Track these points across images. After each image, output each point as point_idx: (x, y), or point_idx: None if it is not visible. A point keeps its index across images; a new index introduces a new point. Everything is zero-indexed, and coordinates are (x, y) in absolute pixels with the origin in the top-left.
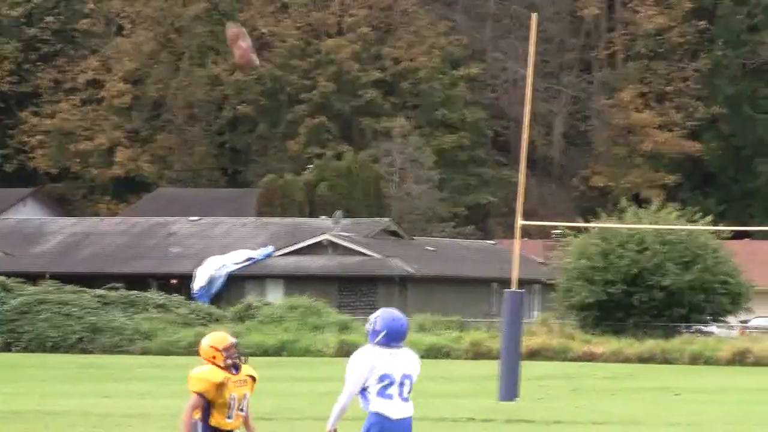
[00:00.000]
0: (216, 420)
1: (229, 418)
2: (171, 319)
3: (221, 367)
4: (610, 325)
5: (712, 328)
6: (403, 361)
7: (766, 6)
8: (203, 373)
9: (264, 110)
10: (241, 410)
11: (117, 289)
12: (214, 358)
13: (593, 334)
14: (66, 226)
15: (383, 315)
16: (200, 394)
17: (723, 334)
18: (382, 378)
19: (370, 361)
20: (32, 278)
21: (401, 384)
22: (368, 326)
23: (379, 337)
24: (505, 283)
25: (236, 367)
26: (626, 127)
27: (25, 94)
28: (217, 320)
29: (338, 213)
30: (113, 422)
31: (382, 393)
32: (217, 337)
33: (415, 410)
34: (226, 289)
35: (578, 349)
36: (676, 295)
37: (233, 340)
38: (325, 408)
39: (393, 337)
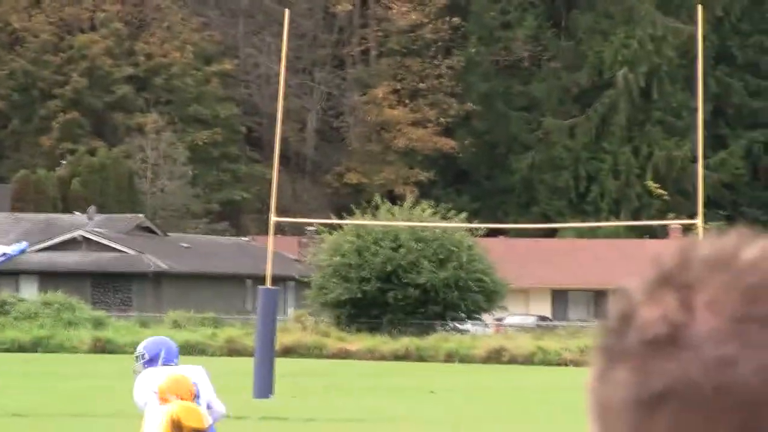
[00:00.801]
0: None
1: None
2: None
3: None
4: (365, 322)
5: (468, 325)
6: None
7: (519, 3)
8: None
9: (16, 105)
10: None
11: None
12: None
13: (348, 331)
14: None
15: (149, 343)
16: None
17: (478, 331)
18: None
19: (150, 381)
20: None
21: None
22: (139, 360)
23: (160, 360)
24: (260, 279)
25: None
26: (380, 123)
27: None
28: None
29: (92, 209)
30: None
31: None
32: None
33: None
34: None
35: (333, 346)
36: (431, 292)
37: None
38: (79, 405)
39: (173, 355)
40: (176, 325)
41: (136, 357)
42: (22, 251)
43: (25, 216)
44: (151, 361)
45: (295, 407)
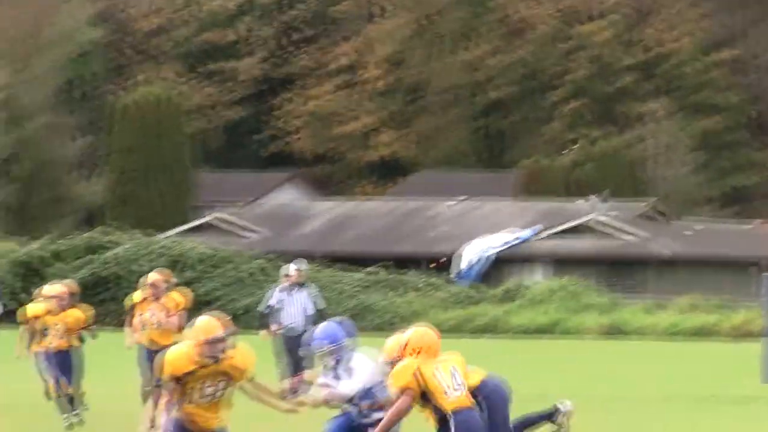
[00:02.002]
0: None
1: None
2: (433, 302)
3: None
4: None
5: None
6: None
7: None
8: None
9: (521, 95)
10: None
11: (387, 267)
12: None
13: None
14: (328, 208)
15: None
16: None
17: None
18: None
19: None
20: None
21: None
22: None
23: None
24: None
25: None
26: None
27: (282, 79)
28: (480, 302)
29: (601, 195)
30: None
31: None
32: None
33: (652, 389)
34: (489, 270)
35: None
36: None
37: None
38: (588, 389)
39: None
40: (685, 310)
41: (323, 353)
42: (534, 234)
43: (533, 203)
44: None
45: None
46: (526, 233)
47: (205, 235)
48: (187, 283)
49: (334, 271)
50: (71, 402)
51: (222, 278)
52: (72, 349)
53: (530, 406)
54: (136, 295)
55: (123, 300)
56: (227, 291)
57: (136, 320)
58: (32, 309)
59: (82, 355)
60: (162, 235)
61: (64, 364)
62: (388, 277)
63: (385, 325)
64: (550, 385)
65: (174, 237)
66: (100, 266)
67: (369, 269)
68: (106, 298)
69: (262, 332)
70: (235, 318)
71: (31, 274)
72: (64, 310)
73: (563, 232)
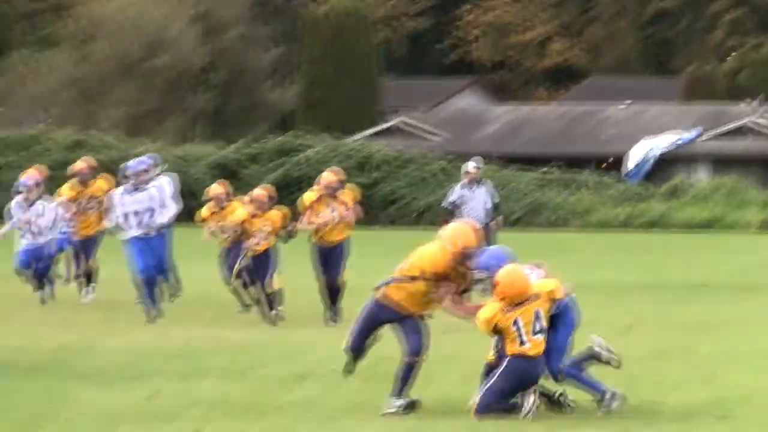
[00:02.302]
0: None
1: None
2: (606, 197)
3: None
4: None
5: None
6: None
7: None
8: None
9: (685, 4)
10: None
11: (559, 166)
12: None
13: None
14: (505, 112)
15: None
16: None
17: None
18: None
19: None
20: None
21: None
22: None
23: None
24: None
25: None
26: None
27: None
28: (649, 198)
29: (761, 97)
30: None
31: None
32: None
33: None
34: (655, 169)
35: None
36: None
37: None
38: (748, 279)
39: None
40: None
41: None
42: (696, 137)
43: (697, 106)
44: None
45: None
46: (688, 135)
47: (390, 138)
48: (373, 184)
49: (511, 171)
50: (273, 300)
51: (406, 178)
52: (270, 248)
53: (700, 291)
54: (308, 195)
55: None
56: (411, 190)
57: (314, 218)
58: (240, 213)
59: (278, 253)
60: (350, 139)
61: (264, 263)
62: (561, 177)
63: (559, 220)
64: (717, 275)
65: (361, 140)
66: (292, 168)
67: (543, 169)
68: (298, 199)
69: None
70: (419, 215)
71: (228, 176)
72: (264, 212)
73: (724, 134)
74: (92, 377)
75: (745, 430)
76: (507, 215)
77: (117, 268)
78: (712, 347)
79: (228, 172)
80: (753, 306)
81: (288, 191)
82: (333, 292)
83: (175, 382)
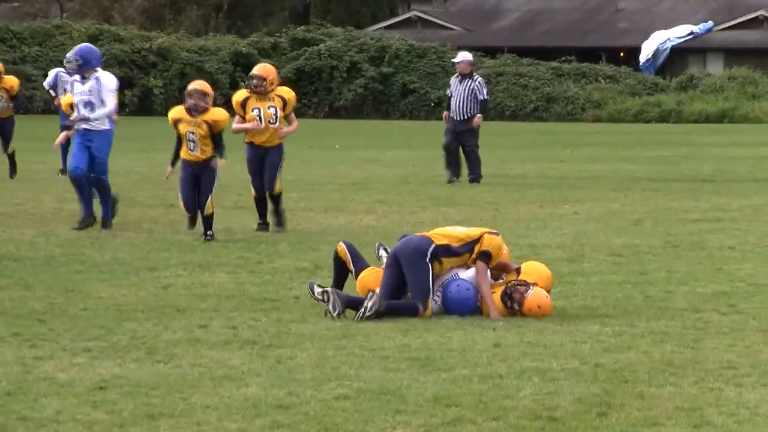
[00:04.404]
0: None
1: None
2: (619, 89)
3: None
4: None
5: None
6: None
7: None
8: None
9: None
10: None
11: (570, 61)
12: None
13: None
14: (521, 3)
15: None
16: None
17: None
18: None
19: None
20: (491, 52)
21: None
22: None
23: None
24: None
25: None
26: None
27: None
28: (662, 90)
29: None
30: (567, 184)
31: None
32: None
33: None
34: (669, 61)
35: None
36: None
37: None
38: (760, 172)
39: None
40: None
41: None
42: (708, 30)
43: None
44: None
45: None
46: (699, 28)
47: (405, 30)
48: (393, 74)
49: (528, 61)
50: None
51: (419, 71)
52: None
53: (712, 184)
54: (239, 93)
55: (332, 90)
56: (424, 83)
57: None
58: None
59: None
60: (366, 30)
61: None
62: (575, 68)
63: (577, 110)
64: (729, 167)
65: (377, 31)
66: (311, 58)
67: (557, 60)
68: (318, 88)
69: (444, 113)
70: (429, 109)
71: (244, 68)
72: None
73: (737, 25)
74: (106, 270)
75: (751, 324)
76: (522, 107)
77: (127, 163)
78: (721, 241)
79: (244, 64)
80: (764, 199)
81: (309, 81)
82: (267, 202)
83: (187, 276)
